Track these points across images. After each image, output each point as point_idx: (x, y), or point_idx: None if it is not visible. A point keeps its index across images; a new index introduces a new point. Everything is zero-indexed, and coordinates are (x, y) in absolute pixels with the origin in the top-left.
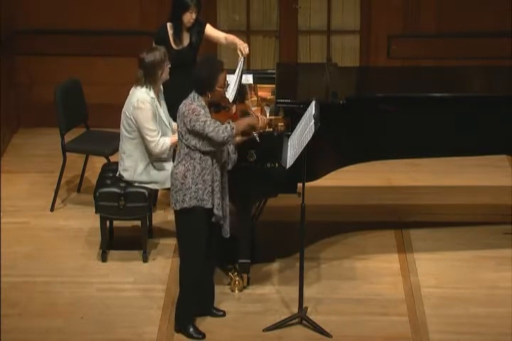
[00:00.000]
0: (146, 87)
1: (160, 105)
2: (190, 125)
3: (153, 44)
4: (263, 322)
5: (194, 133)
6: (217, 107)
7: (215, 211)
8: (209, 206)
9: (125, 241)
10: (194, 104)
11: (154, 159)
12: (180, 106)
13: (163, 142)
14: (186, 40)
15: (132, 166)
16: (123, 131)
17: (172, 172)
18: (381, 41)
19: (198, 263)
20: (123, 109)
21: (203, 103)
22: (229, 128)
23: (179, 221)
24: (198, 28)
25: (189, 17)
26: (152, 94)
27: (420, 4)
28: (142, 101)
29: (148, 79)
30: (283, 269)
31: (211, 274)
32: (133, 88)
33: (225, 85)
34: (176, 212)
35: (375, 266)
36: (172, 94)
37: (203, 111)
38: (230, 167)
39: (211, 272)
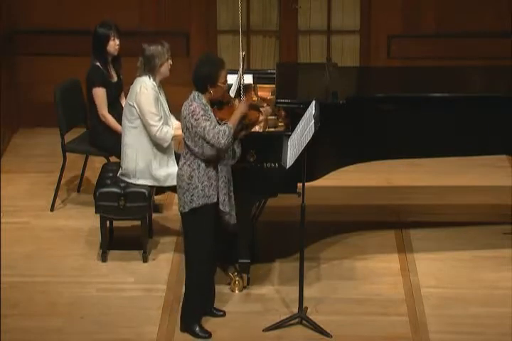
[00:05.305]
0: (147, 76)
1: (161, 96)
2: (192, 131)
3: (97, 88)
4: (263, 322)
5: (197, 138)
6: (220, 104)
7: (221, 207)
8: (215, 200)
9: (125, 241)
10: (194, 104)
11: (156, 150)
12: (182, 108)
13: (166, 130)
14: (113, 72)
15: (133, 158)
16: (125, 122)
17: (178, 174)
18: (381, 41)
19: (204, 263)
20: (126, 100)
21: (204, 101)
22: (227, 130)
23: (187, 222)
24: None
25: (113, 45)
26: (154, 81)
27: (420, 4)
28: (145, 86)
29: (146, 67)
30: (283, 269)
31: (213, 274)
32: (136, 79)
33: (226, 82)
34: (184, 214)
35: (375, 266)
36: None
37: (201, 113)
38: (233, 161)
39: (213, 271)
